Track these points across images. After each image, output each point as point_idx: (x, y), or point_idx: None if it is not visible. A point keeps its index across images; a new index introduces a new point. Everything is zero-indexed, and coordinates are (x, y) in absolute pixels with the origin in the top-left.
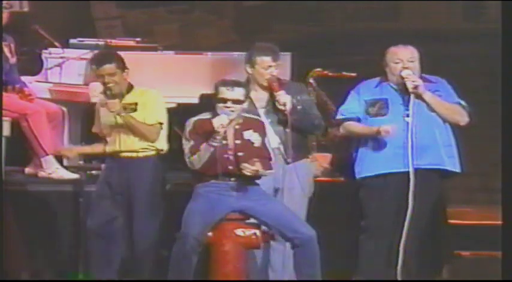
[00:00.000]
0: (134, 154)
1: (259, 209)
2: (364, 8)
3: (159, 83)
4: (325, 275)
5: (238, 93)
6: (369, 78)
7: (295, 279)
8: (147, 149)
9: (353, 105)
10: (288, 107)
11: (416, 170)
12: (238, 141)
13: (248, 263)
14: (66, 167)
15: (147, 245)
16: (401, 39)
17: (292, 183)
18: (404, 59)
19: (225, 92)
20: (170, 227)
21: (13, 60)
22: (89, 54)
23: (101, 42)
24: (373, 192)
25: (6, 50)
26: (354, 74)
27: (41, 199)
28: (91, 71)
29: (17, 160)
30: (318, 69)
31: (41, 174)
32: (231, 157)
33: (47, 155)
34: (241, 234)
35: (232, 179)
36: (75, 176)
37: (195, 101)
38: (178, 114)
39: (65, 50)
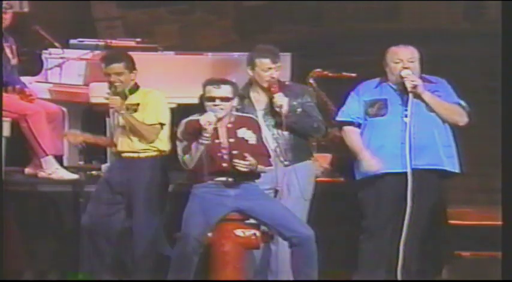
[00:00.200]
0: (135, 154)
1: (257, 208)
2: (364, 8)
3: (160, 83)
4: (325, 275)
5: (225, 90)
6: (368, 78)
7: (292, 278)
8: (148, 149)
9: (353, 106)
10: (284, 109)
11: (414, 170)
12: (232, 140)
13: (248, 263)
14: (66, 168)
15: (147, 245)
16: (401, 39)
17: (291, 185)
18: (404, 59)
19: (212, 91)
20: (172, 226)
21: (14, 61)
22: (89, 54)
23: (101, 43)
24: (373, 192)
25: (7, 50)
26: (354, 75)
27: (41, 199)
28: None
29: (17, 160)
30: (318, 69)
31: (41, 174)
32: (226, 156)
33: (47, 155)
34: (241, 234)
35: (230, 179)
36: (75, 176)
37: (195, 101)
38: (179, 115)
39: (65, 50)
